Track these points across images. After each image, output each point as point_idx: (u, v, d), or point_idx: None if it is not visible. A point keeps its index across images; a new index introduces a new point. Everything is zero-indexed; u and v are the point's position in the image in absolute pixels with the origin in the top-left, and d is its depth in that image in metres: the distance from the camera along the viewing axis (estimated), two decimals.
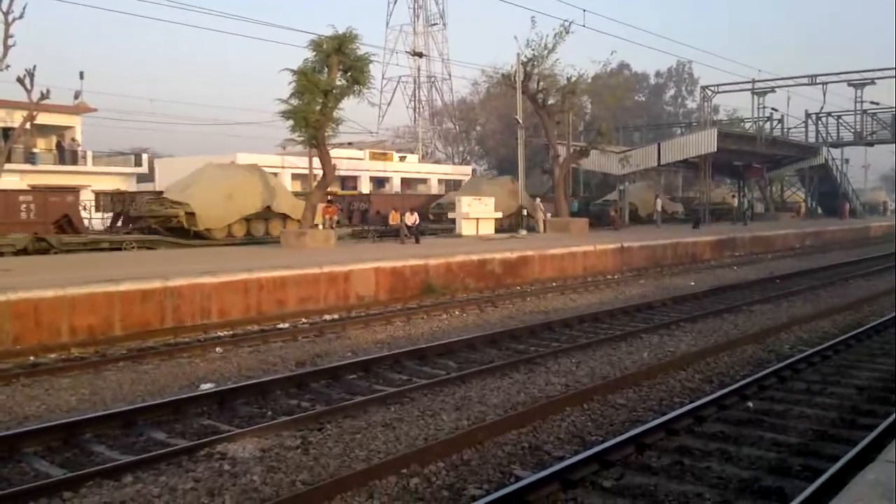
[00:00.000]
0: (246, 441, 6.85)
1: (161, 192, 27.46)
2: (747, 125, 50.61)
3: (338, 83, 21.45)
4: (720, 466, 6.29)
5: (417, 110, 72.57)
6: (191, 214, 24.04)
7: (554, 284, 19.12)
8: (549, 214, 31.69)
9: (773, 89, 48.10)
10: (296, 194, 29.76)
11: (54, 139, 44.80)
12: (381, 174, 52.41)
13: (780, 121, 49.10)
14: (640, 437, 6.73)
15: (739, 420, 7.56)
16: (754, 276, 21.18)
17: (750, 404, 8.11)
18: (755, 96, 47.99)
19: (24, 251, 20.25)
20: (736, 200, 45.34)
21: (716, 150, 37.24)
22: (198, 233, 24.23)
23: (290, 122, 21.32)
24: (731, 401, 8.08)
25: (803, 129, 50.39)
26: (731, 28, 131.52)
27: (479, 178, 33.77)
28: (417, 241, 23.69)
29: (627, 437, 6.67)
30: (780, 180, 55.31)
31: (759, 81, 47.05)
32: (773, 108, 47.99)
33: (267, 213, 26.11)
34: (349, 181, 49.32)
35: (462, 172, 58.48)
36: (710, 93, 48.58)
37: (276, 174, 47.77)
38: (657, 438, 6.88)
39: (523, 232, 28.75)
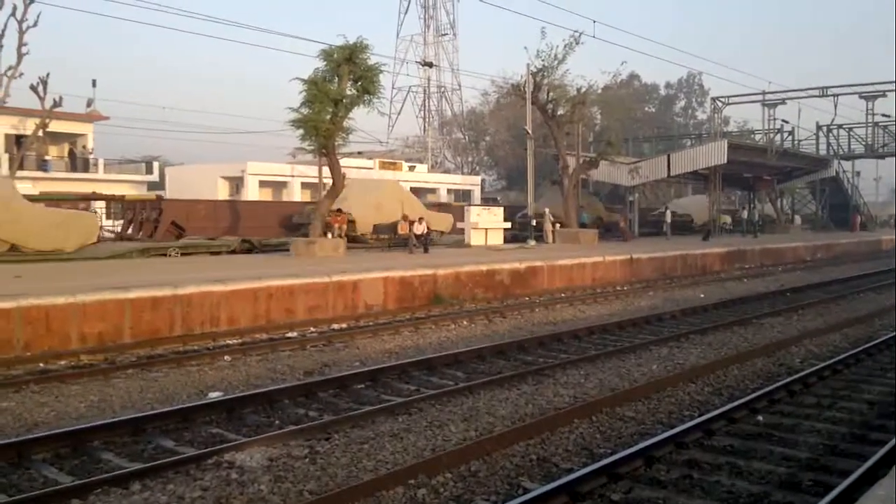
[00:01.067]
0: (254, 450, 6.86)
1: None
2: (758, 137, 50.51)
3: (348, 93, 21.54)
4: (730, 480, 6.25)
5: (427, 120, 72.85)
6: (352, 222, 26.53)
7: (563, 295, 19.08)
8: (557, 225, 31.64)
9: (783, 101, 47.98)
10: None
11: (66, 147, 45.16)
12: None
13: (791, 133, 48.98)
14: (649, 450, 6.69)
15: (749, 434, 7.51)
16: (764, 288, 21.09)
17: (760, 418, 8.06)
18: (766, 108, 47.90)
19: (233, 252, 23.73)
20: (745, 213, 45.17)
21: (726, 161, 37.13)
22: (354, 237, 26.32)
23: (301, 131, 21.42)
24: (740, 414, 8.03)
25: (814, 142, 50.23)
26: (742, 40, 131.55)
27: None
28: (426, 251, 23.71)
29: (636, 450, 6.63)
30: (791, 192, 55.10)
31: (769, 93, 46.96)
32: (783, 120, 47.90)
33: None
34: None
35: (471, 182, 58.62)
36: (720, 104, 48.49)
37: (285, 183, 48.20)
38: (666, 451, 6.84)
39: (532, 242, 28.73)
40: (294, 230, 28.21)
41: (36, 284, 12.96)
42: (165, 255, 22.28)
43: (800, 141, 50.41)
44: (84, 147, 45.14)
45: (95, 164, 45.01)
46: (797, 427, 7.76)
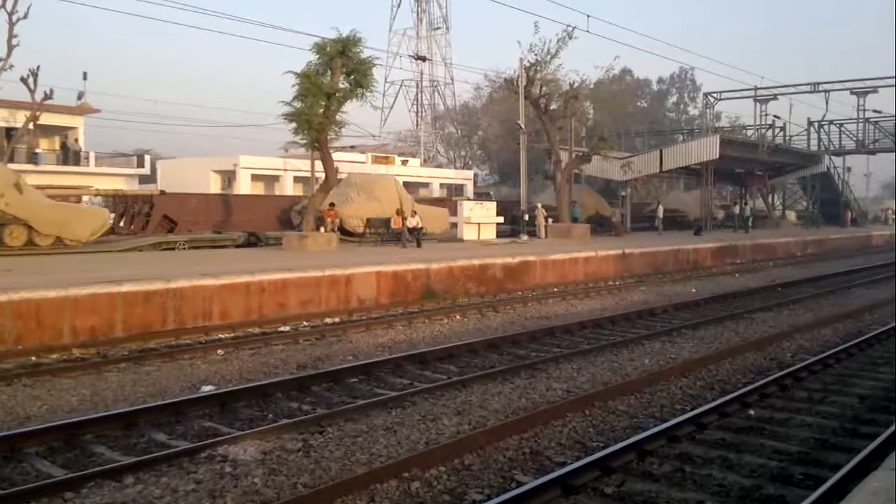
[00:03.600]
0: (247, 443, 6.85)
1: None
2: (749, 132, 50.66)
3: (341, 86, 21.46)
4: (721, 474, 6.29)
5: (420, 114, 72.71)
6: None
7: (555, 290, 19.12)
8: (549, 220, 31.66)
9: (775, 97, 48.16)
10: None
11: (57, 140, 44.89)
12: None
13: (783, 128, 49.15)
14: (642, 444, 6.73)
15: (741, 428, 7.56)
16: (755, 283, 21.19)
17: (751, 412, 8.11)
18: (757, 103, 48.04)
19: (238, 245, 23.76)
20: (737, 208, 45.32)
21: (718, 157, 37.22)
22: (347, 231, 26.13)
23: (293, 125, 21.33)
24: (732, 408, 8.09)
25: (805, 137, 50.42)
26: (733, 35, 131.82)
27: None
28: (419, 245, 23.70)
29: (629, 444, 6.67)
30: (783, 188, 55.30)
31: (761, 89, 47.11)
32: (775, 116, 48.05)
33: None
34: None
35: (464, 177, 58.52)
36: (712, 99, 48.61)
37: (277, 177, 48.05)
38: (658, 445, 6.88)
39: (524, 237, 28.75)
40: (289, 224, 28.11)
41: (28, 278, 12.90)
42: (174, 248, 22.46)
43: (791, 137, 50.60)
44: (76, 140, 44.88)
45: (87, 158, 44.74)
46: (788, 421, 7.81)
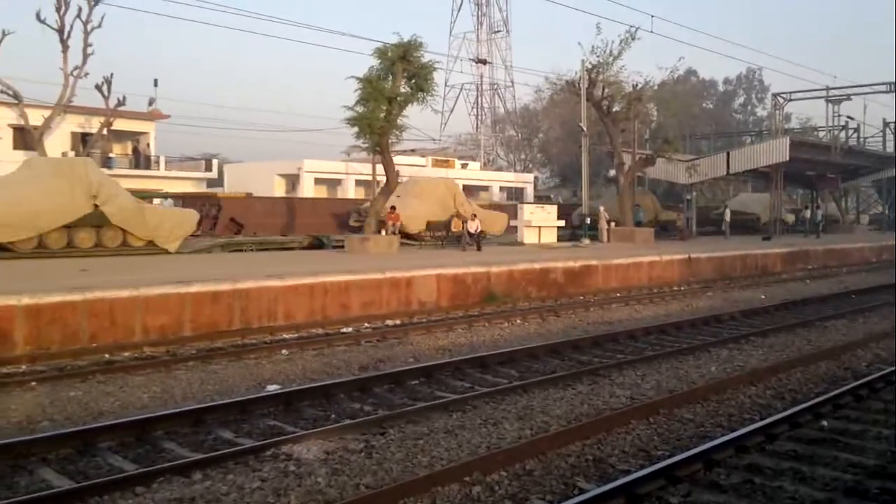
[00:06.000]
0: (310, 443, 6.94)
1: None
2: (821, 134, 49.07)
3: (402, 90, 21.65)
4: (793, 487, 6.07)
5: (480, 117, 72.79)
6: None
7: (618, 295, 18.84)
8: (613, 223, 31.26)
9: (848, 97, 46.44)
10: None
11: (129, 144, 46.46)
12: None
13: (856, 130, 47.44)
14: (709, 454, 6.55)
15: (813, 439, 7.29)
16: (828, 290, 20.47)
17: (824, 423, 7.81)
18: (829, 104, 46.40)
19: (304, 248, 24.47)
20: (808, 212, 43.92)
21: (787, 159, 36.17)
22: (407, 234, 26.18)
23: (355, 129, 21.63)
24: (804, 419, 7.81)
25: (881, 139, 48.55)
26: (805, 34, 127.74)
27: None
28: (479, 249, 23.68)
29: (695, 453, 6.50)
30: (856, 191, 53.41)
31: (833, 89, 45.52)
32: (848, 117, 46.37)
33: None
34: None
35: (524, 180, 58.32)
36: (781, 100, 47.20)
37: (339, 181, 48.72)
38: (726, 455, 6.69)
39: (586, 241, 28.44)
40: (349, 226, 28.45)
41: (103, 278, 13.37)
42: (241, 250, 23.20)
43: (866, 138, 48.80)
44: (147, 145, 46.38)
45: (157, 162, 46.21)
46: (864, 433, 7.50)
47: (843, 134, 45.67)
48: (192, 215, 22.98)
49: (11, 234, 18.61)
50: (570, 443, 7.02)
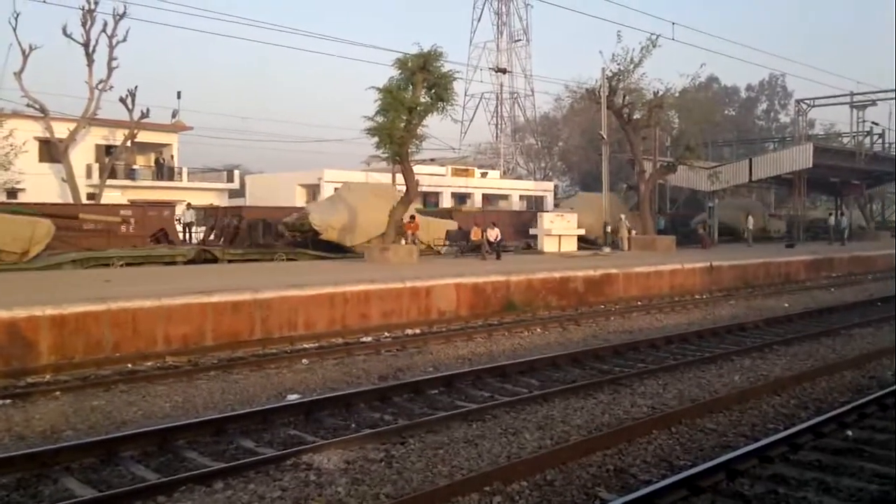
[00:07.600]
0: (331, 452, 6.96)
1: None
2: (845, 140, 48.48)
3: (422, 100, 21.70)
4: (817, 497, 5.99)
5: (499, 126, 72.72)
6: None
7: (639, 304, 18.73)
8: (633, 231, 31.10)
9: (874, 102, 45.85)
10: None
11: (153, 156, 47.03)
12: (462, 190, 52.72)
13: (882, 135, 46.80)
14: (732, 464, 6.48)
15: (838, 449, 7.19)
16: (853, 298, 20.21)
17: (849, 433, 7.70)
18: (854, 110, 45.87)
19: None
20: (832, 219, 43.37)
21: (811, 165, 35.79)
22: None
23: (376, 139, 21.68)
24: (828, 428, 7.70)
25: None
26: (828, 39, 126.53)
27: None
28: (499, 258, 23.65)
29: (718, 463, 6.44)
30: (882, 198, 52.69)
31: (858, 94, 44.99)
32: (873, 122, 45.81)
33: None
34: (431, 197, 49.80)
35: (543, 188, 58.16)
36: (805, 106, 46.75)
37: None
38: (750, 465, 6.61)
39: (606, 249, 28.30)
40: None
41: (126, 288, 13.52)
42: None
43: (892, 144, 48.10)
44: (171, 156, 46.92)
45: (180, 173, 46.71)
46: (890, 443, 7.37)
47: (867, 140, 45.13)
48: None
49: None
50: (591, 453, 6.98)
